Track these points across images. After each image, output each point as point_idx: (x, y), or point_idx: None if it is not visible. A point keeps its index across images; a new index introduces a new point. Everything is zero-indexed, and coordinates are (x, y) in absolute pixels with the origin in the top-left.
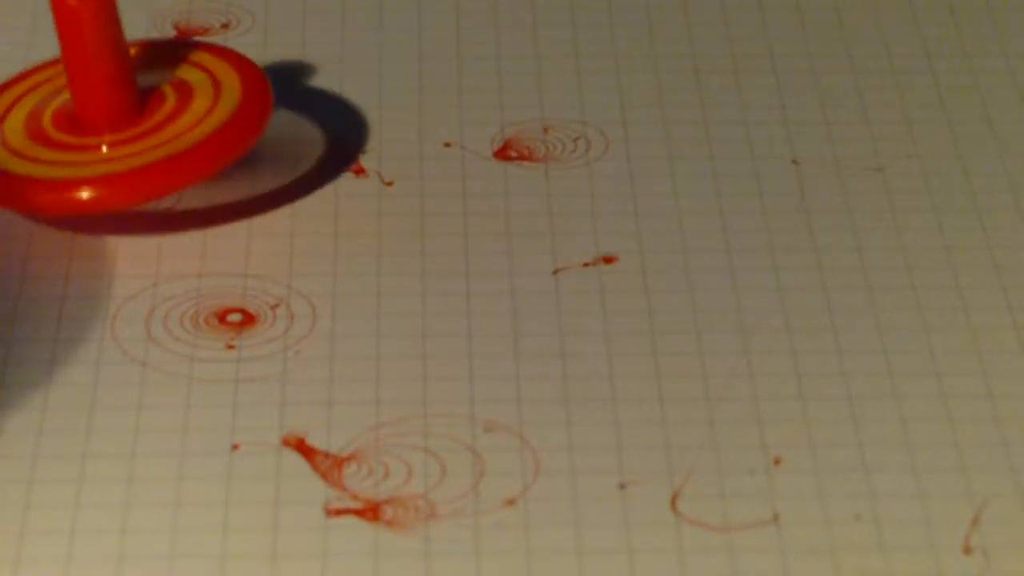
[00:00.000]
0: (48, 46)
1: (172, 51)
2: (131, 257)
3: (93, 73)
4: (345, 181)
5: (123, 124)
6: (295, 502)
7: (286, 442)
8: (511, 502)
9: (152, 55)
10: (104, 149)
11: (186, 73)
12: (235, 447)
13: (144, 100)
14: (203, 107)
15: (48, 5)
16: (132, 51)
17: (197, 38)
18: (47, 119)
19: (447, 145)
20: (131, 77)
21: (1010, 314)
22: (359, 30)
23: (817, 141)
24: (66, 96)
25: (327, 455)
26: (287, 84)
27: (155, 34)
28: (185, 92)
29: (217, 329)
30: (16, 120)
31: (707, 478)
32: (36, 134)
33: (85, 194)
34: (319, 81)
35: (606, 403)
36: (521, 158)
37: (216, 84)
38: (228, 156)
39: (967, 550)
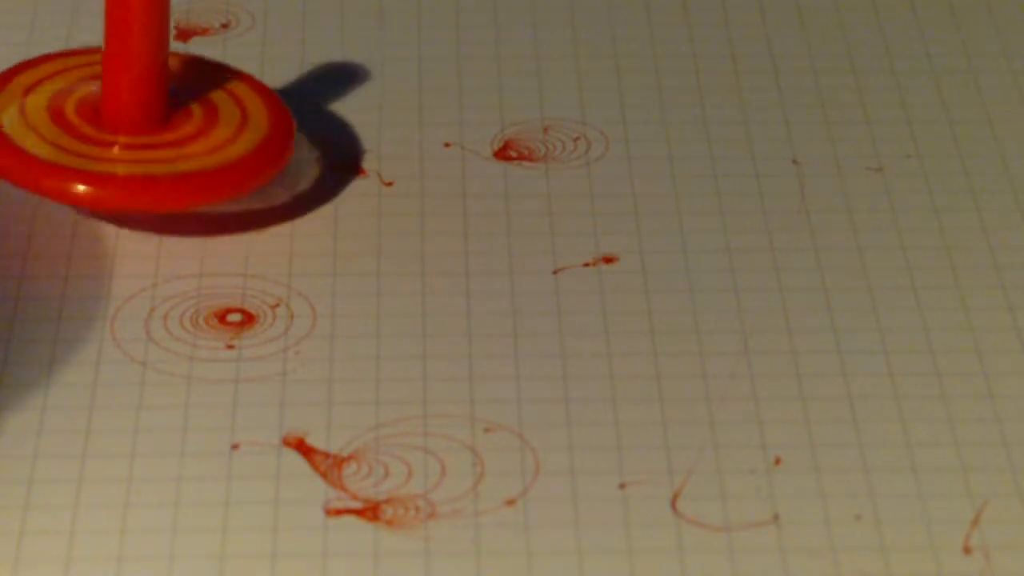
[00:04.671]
0: (48, 46)
1: (209, 72)
2: (131, 257)
3: (129, 70)
4: (345, 181)
5: (144, 130)
6: (295, 502)
7: (286, 442)
8: (511, 502)
9: (191, 70)
10: (116, 148)
11: (217, 97)
12: (235, 447)
13: (171, 113)
14: (225, 136)
15: (47, 6)
16: (175, 61)
17: (197, 38)
18: (71, 104)
19: (447, 145)
20: (165, 85)
21: (1010, 314)
22: (359, 30)
23: (817, 141)
24: (94, 86)
25: (327, 455)
26: (286, 85)
27: None
28: (211, 117)
29: (217, 329)
30: (41, 96)
31: (707, 478)
32: (57, 115)
33: (82, 188)
34: (319, 81)
35: (606, 403)
36: (521, 158)
37: (244, 116)
38: (235, 190)
39: (967, 550)
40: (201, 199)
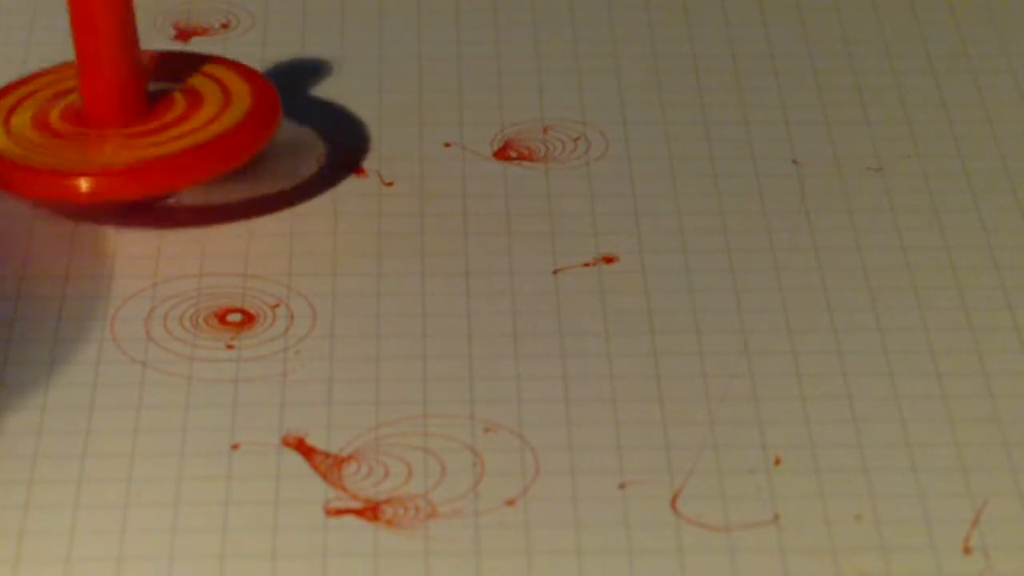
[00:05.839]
0: (48, 46)
1: (183, 62)
2: (131, 257)
3: (103, 66)
4: (345, 181)
5: (130, 121)
6: (295, 502)
7: (286, 442)
8: (511, 502)
9: (163, 65)
10: (109, 142)
11: (197, 81)
12: (235, 447)
13: (154, 103)
14: (211, 112)
15: (48, 6)
16: (145, 60)
17: (197, 38)
18: (55, 115)
19: (447, 145)
20: (141, 74)
21: (1010, 314)
22: (359, 30)
23: (817, 141)
24: (73, 97)
25: (327, 455)
26: (287, 84)
27: (155, 33)
28: (195, 98)
29: (217, 329)
30: (23, 115)
31: (707, 478)
32: (43, 127)
33: (84, 184)
34: (319, 81)
35: (606, 403)
36: (521, 158)
37: (226, 93)
38: (229, 160)
39: (967, 550)
40: (197, 174)
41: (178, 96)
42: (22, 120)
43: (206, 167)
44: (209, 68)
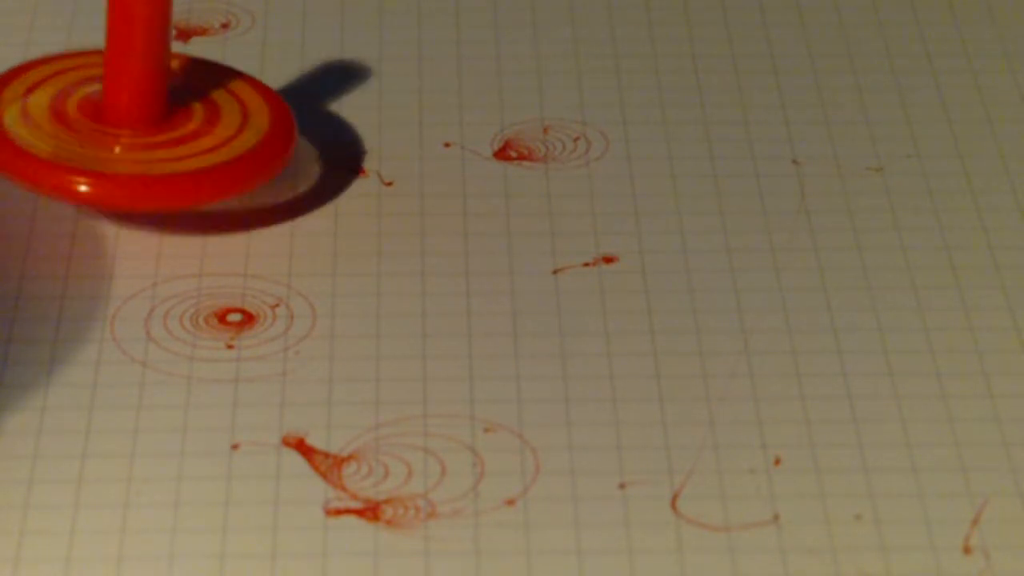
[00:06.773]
0: (48, 46)
1: (210, 72)
2: (131, 257)
3: (131, 70)
4: (345, 181)
5: (146, 128)
6: (295, 502)
7: (286, 442)
8: (511, 502)
9: (190, 70)
10: (118, 147)
11: (218, 96)
12: (235, 447)
13: (172, 112)
14: (227, 134)
15: (47, 6)
16: (176, 62)
17: (197, 38)
18: (73, 103)
19: (447, 145)
20: (166, 80)
21: (1010, 314)
22: (359, 30)
23: (817, 141)
24: (96, 87)
25: (327, 455)
26: (287, 84)
27: None
28: (212, 114)
29: (217, 329)
30: (42, 96)
31: (707, 478)
32: (59, 114)
33: (83, 187)
34: (319, 81)
35: (606, 403)
36: (521, 158)
37: (245, 114)
38: (232, 189)
39: (967, 550)
40: (201, 198)
41: (197, 108)
42: (40, 100)
43: (207, 193)
44: (234, 84)
